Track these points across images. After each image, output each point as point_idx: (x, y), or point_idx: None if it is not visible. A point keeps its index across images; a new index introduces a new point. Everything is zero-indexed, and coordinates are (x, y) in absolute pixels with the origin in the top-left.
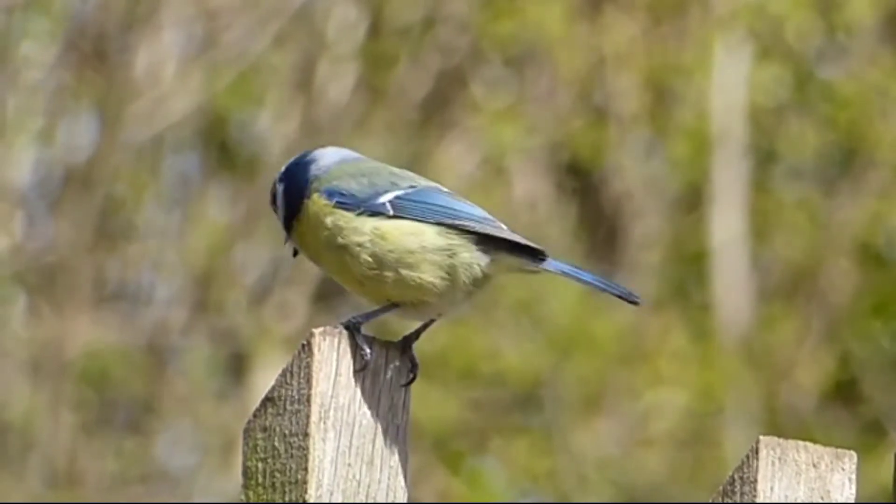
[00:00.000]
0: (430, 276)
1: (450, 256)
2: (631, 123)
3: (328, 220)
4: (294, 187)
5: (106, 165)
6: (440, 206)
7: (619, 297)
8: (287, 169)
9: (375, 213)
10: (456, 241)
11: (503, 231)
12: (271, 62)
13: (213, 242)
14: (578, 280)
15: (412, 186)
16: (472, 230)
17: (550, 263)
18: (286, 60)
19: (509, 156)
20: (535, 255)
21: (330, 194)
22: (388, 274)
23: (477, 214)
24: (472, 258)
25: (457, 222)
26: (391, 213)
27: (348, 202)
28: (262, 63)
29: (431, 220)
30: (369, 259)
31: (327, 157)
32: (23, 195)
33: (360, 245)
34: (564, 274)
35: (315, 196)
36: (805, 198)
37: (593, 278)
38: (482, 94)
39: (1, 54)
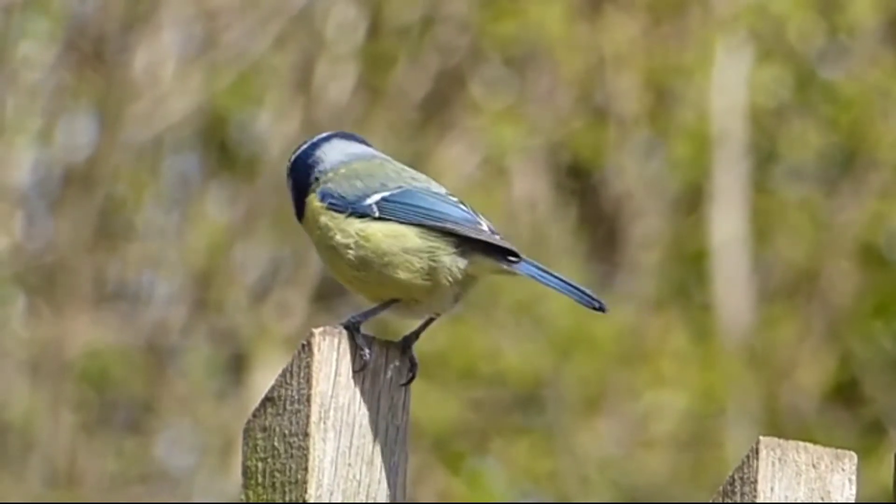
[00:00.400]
0: (411, 277)
1: (430, 259)
2: (631, 124)
3: (321, 221)
4: (299, 184)
5: (106, 165)
6: (423, 208)
7: (582, 304)
8: (294, 165)
9: (362, 214)
10: (435, 243)
11: (480, 233)
12: (271, 62)
13: (212, 242)
14: (545, 284)
15: (399, 187)
16: (450, 232)
17: (522, 266)
18: (286, 60)
19: (509, 156)
20: (509, 256)
21: (324, 196)
22: (372, 275)
23: (456, 216)
24: (452, 260)
25: (436, 224)
26: (377, 214)
27: (338, 204)
28: (262, 63)
29: (413, 222)
30: (354, 260)
31: (330, 157)
32: (23, 195)
33: (346, 247)
34: (532, 277)
35: (312, 196)
36: (806, 198)
37: (558, 283)
38: (482, 94)
39: (0, 54)
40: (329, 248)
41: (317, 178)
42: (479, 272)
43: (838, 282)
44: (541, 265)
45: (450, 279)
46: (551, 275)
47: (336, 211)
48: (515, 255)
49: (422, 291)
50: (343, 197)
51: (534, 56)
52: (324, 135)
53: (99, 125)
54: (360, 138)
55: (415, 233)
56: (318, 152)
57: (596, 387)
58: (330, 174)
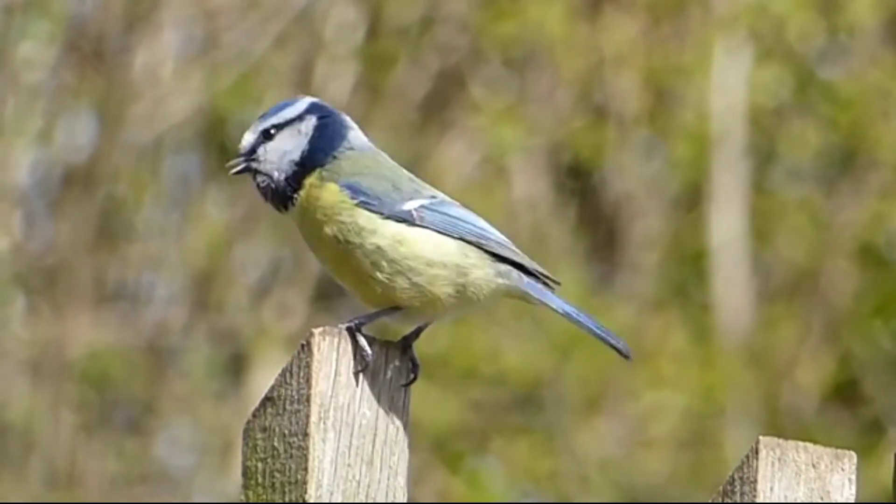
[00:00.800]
0: (440, 289)
1: (464, 274)
2: (631, 124)
3: (344, 216)
4: (319, 146)
5: (106, 166)
6: (466, 222)
7: (614, 348)
8: (322, 119)
9: (401, 219)
10: (474, 259)
11: (524, 257)
12: (271, 62)
13: (212, 242)
14: (577, 324)
15: (434, 197)
16: (492, 251)
17: (556, 301)
18: (286, 60)
19: (509, 156)
20: (546, 285)
21: (352, 190)
22: (400, 281)
23: (500, 237)
24: (485, 279)
25: (481, 242)
26: (416, 221)
27: (372, 203)
28: (262, 63)
29: (455, 235)
30: (384, 263)
31: (358, 139)
32: (23, 195)
33: (378, 247)
34: (567, 315)
35: (331, 185)
36: (806, 198)
37: (592, 324)
38: (482, 94)
39: (1, 55)
40: (351, 246)
41: (335, 157)
42: (506, 295)
43: (838, 282)
44: (574, 305)
45: (477, 297)
46: (584, 315)
47: (370, 210)
48: (550, 284)
49: (444, 304)
50: (378, 198)
51: (534, 56)
52: (302, 104)
53: (99, 125)
54: (332, 110)
55: (455, 245)
56: (348, 132)
57: (596, 387)
58: (346, 163)
